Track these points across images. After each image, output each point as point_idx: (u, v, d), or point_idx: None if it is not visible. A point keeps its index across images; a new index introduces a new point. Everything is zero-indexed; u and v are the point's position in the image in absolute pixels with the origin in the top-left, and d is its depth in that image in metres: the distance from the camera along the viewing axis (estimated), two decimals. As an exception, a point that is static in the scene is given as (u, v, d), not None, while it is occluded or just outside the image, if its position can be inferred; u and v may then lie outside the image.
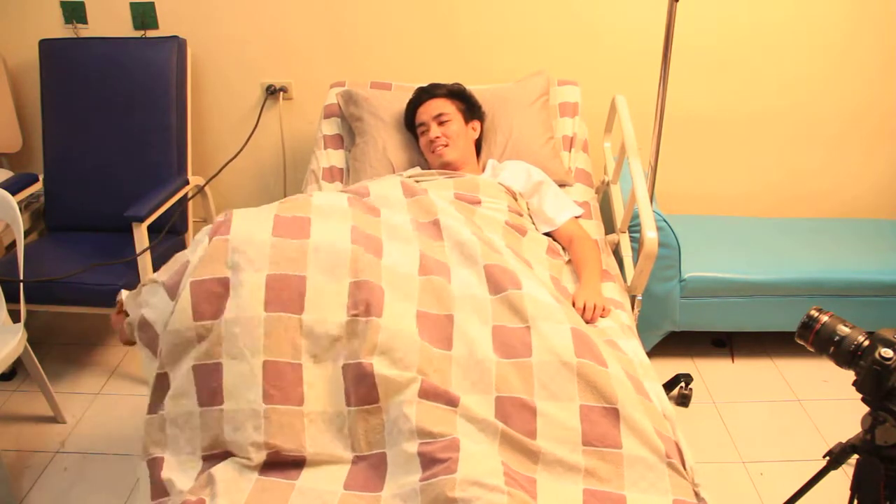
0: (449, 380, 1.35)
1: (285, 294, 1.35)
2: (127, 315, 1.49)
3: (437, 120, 2.06)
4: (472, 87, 2.20)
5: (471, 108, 2.14)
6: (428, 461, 1.20)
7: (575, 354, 1.36)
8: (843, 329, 1.23)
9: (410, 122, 2.16)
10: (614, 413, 1.30)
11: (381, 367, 1.30)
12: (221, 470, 1.26)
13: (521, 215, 1.89)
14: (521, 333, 1.41)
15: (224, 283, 1.36)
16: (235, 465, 1.27)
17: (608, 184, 2.35)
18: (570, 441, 1.27)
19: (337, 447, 1.30)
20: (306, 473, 1.26)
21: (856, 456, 1.30)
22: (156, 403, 1.36)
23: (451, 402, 1.29)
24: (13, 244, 2.40)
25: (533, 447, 1.26)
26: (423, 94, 2.12)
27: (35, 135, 2.67)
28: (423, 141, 2.09)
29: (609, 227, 2.21)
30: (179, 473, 1.29)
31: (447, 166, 2.04)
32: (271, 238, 1.41)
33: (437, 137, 2.04)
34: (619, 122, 2.10)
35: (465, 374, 1.37)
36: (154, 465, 1.31)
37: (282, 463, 1.28)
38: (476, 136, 2.14)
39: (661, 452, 1.26)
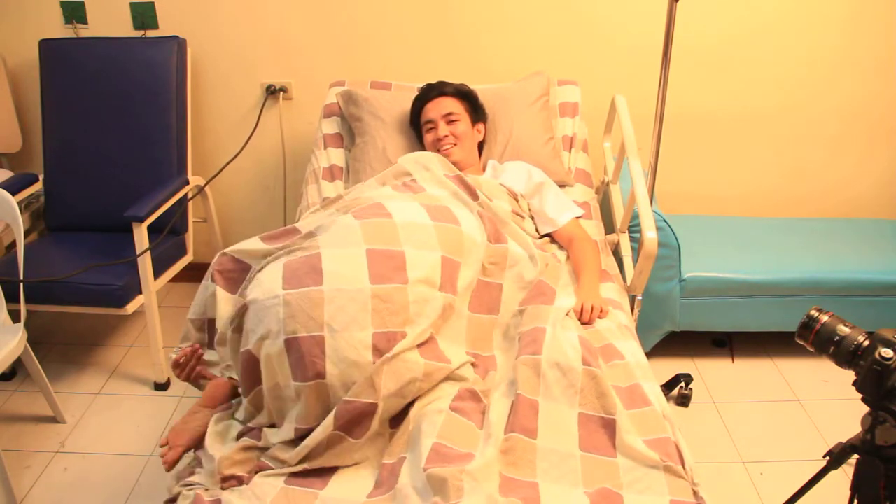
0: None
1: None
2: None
3: (447, 119, 2.04)
4: (472, 87, 2.20)
5: (476, 110, 2.13)
6: (439, 457, 1.21)
7: (582, 362, 1.38)
8: (843, 329, 1.23)
9: (416, 118, 2.14)
10: (611, 424, 1.32)
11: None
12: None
13: (522, 217, 1.89)
14: (537, 332, 1.45)
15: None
16: (265, 473, 1.28)
17: (608, 184, 2.34)
18: (567, 444, 1.29)
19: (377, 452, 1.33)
20: (334, 482, 1.26)
21: (856, 456, 1.30)
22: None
23: (478, 422, 1.32)
24: (13, 244, 2.40)
25: (530, 454, 1.27)
26: (433, 91, 2.10)
27: (35, 135, 2.67)
28: (429, 138, 2.07)
29: (609, 227, 2.21)
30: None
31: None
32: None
33: (446, 136, 2.03)
34: (618, 121, 2.10)
35: (499, 392, 1.41)
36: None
37: (313, 471, 1.28)
38: (480, 138, 2.14)
39: (656, 462, 1.27)
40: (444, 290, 1.45)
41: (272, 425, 1.36)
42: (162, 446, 1.36)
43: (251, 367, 1.34)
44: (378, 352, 1.30)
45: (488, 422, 1.31)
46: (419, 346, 1.37)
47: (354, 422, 1.28)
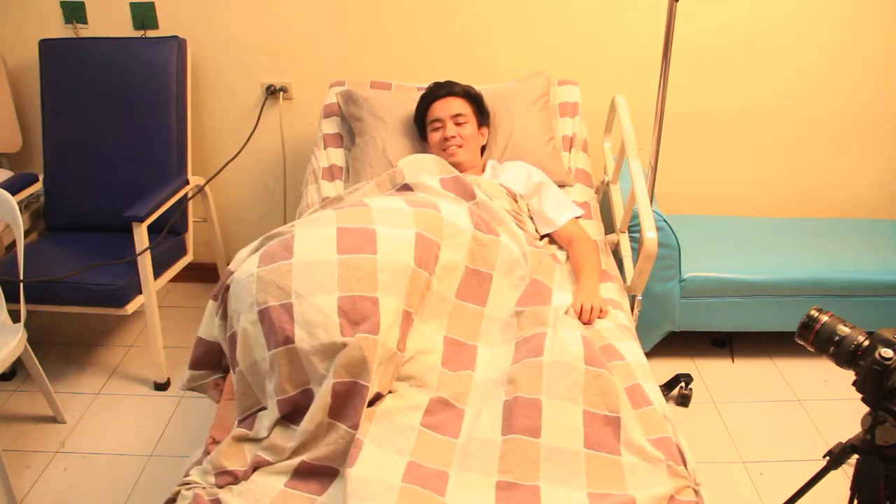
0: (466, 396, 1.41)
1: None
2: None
3: (455, 120, 2.04)
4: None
5: (482, 113, 2.13)
6: (416, 477, 1.20)
7: (584, 361, 1.37)
8: (843, 329, 1.23)
9: (421, 116, 2.13)
10: (616, 422, 1.31)
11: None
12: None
13: (522, 221, 1.89)
14: (538, 337, 1.44)
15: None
16: (265, 470, 1.28)
17: (608, 184, 2.35)
18: (572, 441, 1.28)
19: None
20: (333, 488, 1.25)
21: (856, 456, 1.30)
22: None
23: (454, 434, 1.32)
24: (13, 244, 2.40)
25: (533, 454, 1.25)
26: (441, 90, 2.09)
27: (35, 135, 2.67)
28: (434, 137, 2.07)
29: (609, 227, 2.21)
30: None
31: (455, 167, 2.02)
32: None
33: (453, 137, 2.02)
34: (618, 121, 2.10)
35: (483, 392, 1.41)
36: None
37: (314, 472, 1.27)
38: (484, 142, 2.14)
39: (660, 461, 1.27)
40: (419, 266, 1.45)
41: (263, 408, 1.37)
42: (211, 444, 1.39)
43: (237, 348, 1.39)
44: (345, 314, 1.32)
45: (470, 438, 1.30)
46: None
47: (345, 402, 1.28)
